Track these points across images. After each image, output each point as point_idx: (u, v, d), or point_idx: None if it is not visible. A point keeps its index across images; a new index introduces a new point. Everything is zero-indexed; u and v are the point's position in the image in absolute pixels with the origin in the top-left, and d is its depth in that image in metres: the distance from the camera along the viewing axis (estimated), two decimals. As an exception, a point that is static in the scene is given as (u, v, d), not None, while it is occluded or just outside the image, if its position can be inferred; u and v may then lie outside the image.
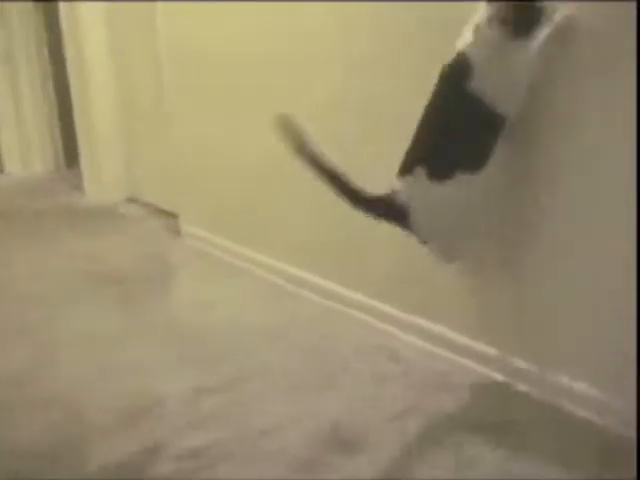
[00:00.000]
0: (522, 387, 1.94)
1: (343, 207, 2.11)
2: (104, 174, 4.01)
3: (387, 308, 2.35)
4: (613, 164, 1.66)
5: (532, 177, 1.85)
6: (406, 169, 1.79)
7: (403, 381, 2.05)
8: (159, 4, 3.15)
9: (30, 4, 4.65)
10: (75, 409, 1.96)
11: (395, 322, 2.32)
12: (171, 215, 3.51)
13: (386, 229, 2.08)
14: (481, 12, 1.63)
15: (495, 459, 1.67)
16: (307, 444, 1.77)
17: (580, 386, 1.81)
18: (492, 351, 2.05)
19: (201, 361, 2.19)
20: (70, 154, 4.70)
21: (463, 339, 2.12)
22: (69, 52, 3.95)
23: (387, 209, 1.82)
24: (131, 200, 3.97)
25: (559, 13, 1.61)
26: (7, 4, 4.59)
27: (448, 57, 1.73)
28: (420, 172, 1.75)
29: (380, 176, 1.82)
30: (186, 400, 1.98)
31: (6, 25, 4.64)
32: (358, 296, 2.45)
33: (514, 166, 1.87)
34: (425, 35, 2.02)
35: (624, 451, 1.63)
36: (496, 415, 1.86)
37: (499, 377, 2.01)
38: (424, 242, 1.89)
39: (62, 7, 3.90)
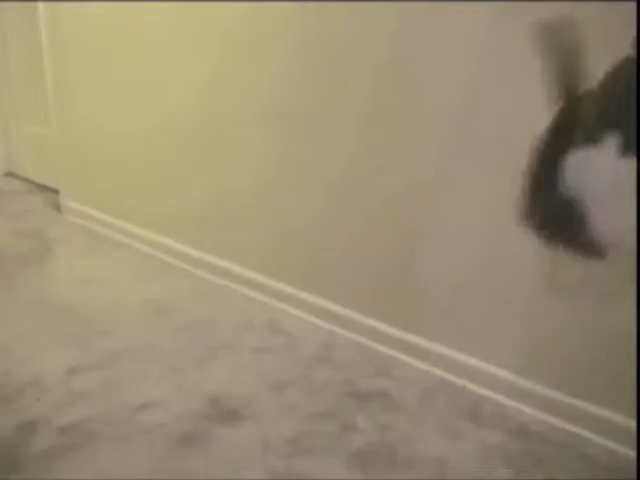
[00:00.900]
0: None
1: (222, 180, 2.13)
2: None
3: (271, 282, 2.38)
4: None
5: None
6: None
7: (286, 353, 2.08)
8: None
9: None
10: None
11: (279, 296, 2.35)
12: (51, 190, 3.40)
13: (268, 205, 2.11)
14: None
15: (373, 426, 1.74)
16: (187, 418, 1.77)
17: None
18: (370, 322, 2.12)
19: (79, 338, 2.14)
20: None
21: (347, 312, 2.18)
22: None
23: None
24: (10, 175, 3.82)
25: None
26: None
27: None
28: None
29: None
30: (62, 378, 1.93)
31: None
32: (243, 271, 2.47)
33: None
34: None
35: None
36: (375, 384, 1.93)
37: (383, 349, 2.09)
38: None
39: None
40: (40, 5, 3.07)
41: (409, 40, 1.84)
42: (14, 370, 1.96)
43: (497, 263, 1.81)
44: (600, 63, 1.47)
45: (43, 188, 3.52)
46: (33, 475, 1.56)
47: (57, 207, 3.23)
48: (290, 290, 2.33)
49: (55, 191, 3.29)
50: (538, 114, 1.50)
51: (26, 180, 3.69)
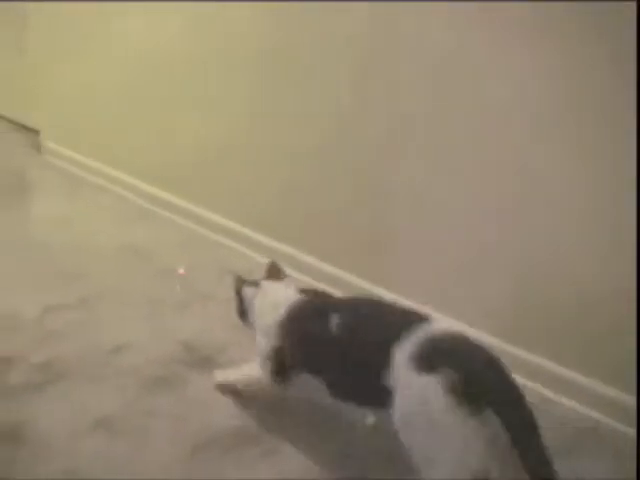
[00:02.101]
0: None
1: (204, 127, 2.10)
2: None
3: (251, 234, 2.38)
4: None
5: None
6: None
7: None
8: None
9: None
10: None
11: (259, 248, 2.35)
12: (32, 131, 3.35)
13: (249, 155, 2.09)
14: None
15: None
16: (161, 362, 1.78)
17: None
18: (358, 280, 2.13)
19: (55, 278, 2.13)
20: None
21: (324, 266, 2.19)
22: None
23: None
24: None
25: None
26: None
27: None
28: None
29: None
30: (37, 317, 1.93)
31: None
32: (223, 221, 2.46)
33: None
34: None
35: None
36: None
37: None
38: None
39: None
40: None
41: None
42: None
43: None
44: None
45: (24, 128, 3.47)
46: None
47: (38, 148, 3.19)
48: (268, 243, 2.32)
49: (36, 132, 3.24)
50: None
51: (7, 120, 3.62)
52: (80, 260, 2.24)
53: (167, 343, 1.86)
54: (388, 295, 1.97)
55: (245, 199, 2.39)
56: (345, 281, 2.12)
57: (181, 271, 2.17)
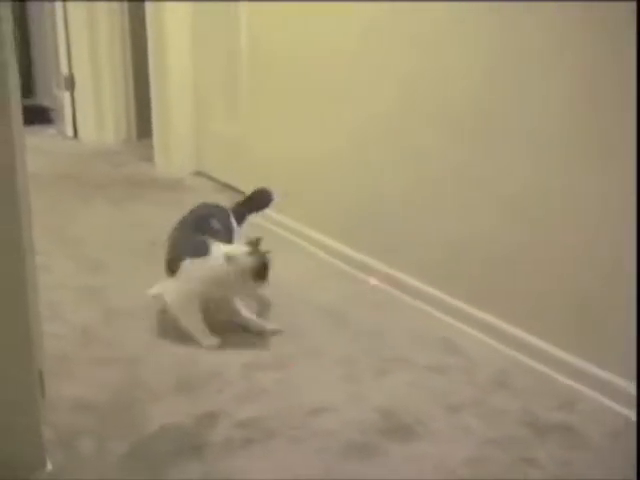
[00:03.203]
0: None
1: (395, 186, 2.12)
2: (174, 147, 4.07)
3: (446, 297, 2.33)
4: None
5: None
6: None
7: (461, 374, 2.03)
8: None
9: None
10: (136, 370, 2.00)
11: (455, 313, 2.30)
12: (237, 191, 3.53)
13: (442, 215, 2.08)
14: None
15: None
16: (359, 428, 1.76)
17: None
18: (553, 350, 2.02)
19: (253, 336, 2.20)
20: (143, 125, 4.77)
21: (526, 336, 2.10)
22: (151, 34, 4.03)
23: None
24: (198, 174, 4.02)
25: None
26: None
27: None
28: None
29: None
30: (240, 374, 1.99)
31: (93, 4, 4.73)
32: (416, 283, 2.43)
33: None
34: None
35: None
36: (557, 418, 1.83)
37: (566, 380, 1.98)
38: None
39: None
40: (242, 9, 3.20)
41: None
42: (200, 360, 2.05)
43: None
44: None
45: (228, 187, 3.67)
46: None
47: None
48: (465, 307, 2.27)
49: (241, 192, 3.42)
50: None
51: (214, 180, 3.86)
52: (281, 318, 2.30)
53: (364, 408, 1.85)
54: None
55: (442, 263, 2.35)
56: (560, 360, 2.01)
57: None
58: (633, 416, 1.79)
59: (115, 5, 4.74)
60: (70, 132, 5.03)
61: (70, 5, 4.74)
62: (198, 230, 2.17)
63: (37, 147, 4.71)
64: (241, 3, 3.29)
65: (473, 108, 2.15)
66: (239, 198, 2.55)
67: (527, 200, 2.03)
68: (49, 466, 1.55)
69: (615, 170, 1.78)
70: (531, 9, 1.91)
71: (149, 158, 4.28)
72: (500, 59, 2.04)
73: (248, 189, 3.27)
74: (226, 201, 3.45)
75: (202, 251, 2.07)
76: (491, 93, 2.09)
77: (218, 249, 2.08)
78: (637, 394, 1.70)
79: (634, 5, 1.55)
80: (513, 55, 2.01)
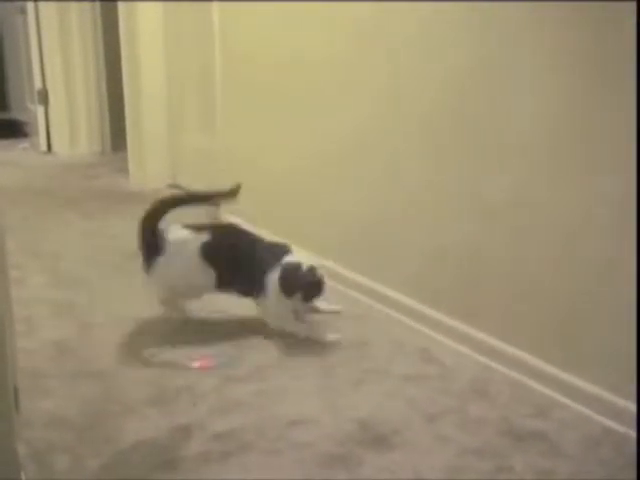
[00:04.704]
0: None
1: (375, 202, 2.12)
2: (148, 160, 4.05)
3: (424, 308, 2.34)
4: None
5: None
6: None
7: (439, 383, 2.03)
8: (215, 4, 3.20)
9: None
10: (111, 385, 1.98)
11: (432, 323, 2.30)
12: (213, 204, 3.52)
13: (421, 228, 2.08)
14: None
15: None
16: (337, 439, 1.75)
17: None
18: (529, 359, 2.03)
19: (235, 346, 2.19)
20: (117, 138, 4.76)
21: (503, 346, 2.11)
22: (124, 46, 4.02)
23: None
24: (173, 186, 4.00)
25: None
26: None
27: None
28: None
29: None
30: (215, 386, 1.98)
31: (65, 18, 4.72)
32: (395, 295, 2.44)
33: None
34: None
35: None
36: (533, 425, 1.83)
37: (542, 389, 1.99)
38: None
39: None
40: (215, 18, 3.20)
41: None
42: (174, 373, 2.03)
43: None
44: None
45: (204, 201, 3.65)
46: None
47: (217, 220, 3.34)
48: (443, 318, 2.27)
49: (217, 205, 3.41)
50: None
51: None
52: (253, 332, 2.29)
53: (341, 419, 1.84)
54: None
55: (420, 275, 2.36)
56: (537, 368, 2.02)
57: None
58: (610, 424, 1.80)
59: (88, 19, 4.74)
60: (44, 146, 4.99)
61: (43, 19, 4.72)
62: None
63: (11, 161, 4.69)
64: (215, 10, 3.25)
65: (453, 119, 2.16)
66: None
67: (506, 212, 2.04)
68: (23, 482, 1.53)
69: (598, 183, 1.79)
70: (513, 20, 1.93)
71: (124, 171, 4.25)
72: (481, 69, 2.05)
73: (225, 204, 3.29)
74: (203, 214, 3.47)
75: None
76: (471, 103, 2.10)
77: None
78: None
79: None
80: (495, 65, 2.02)
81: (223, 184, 3.25)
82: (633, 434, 1.76)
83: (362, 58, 2.45)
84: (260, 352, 2.18)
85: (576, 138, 1.84)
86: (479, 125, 2.08)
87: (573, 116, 1.83)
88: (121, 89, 4.14)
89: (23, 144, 5.19)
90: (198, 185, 3.74)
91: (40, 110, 4.93)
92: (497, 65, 2.01)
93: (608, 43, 1.71)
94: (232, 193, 2.29)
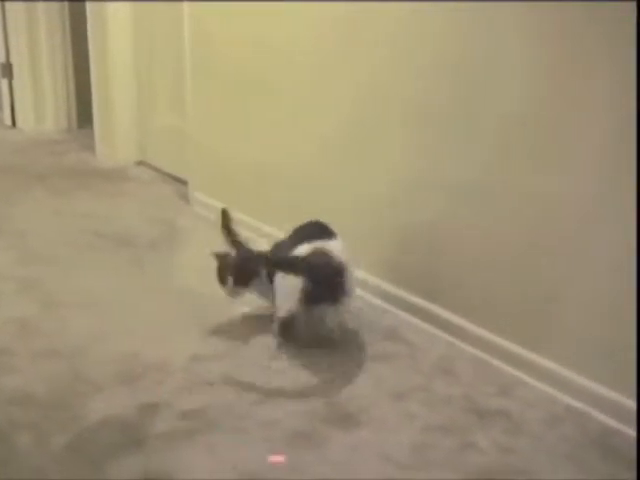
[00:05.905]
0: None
1: (357, 186, 2.11)
2: (116, 136, 4.00)
3: (390, 287, 2.35)
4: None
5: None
6: None
7: (405, 362, 2.05)
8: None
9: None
10: (77, 363, 1.96)
11: (398, 301, 2.32)
12: (180, 181, 3.50)
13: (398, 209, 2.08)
14: None
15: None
16: (303, 417, 1.77)
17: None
18: (493, 337, 2.06)
19: (201, 327, 2.19)
20: (83, 115, 4.69)
21: (469, 325, 2.13)
22: (91, 22, 3.94)
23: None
24: (141, 164, 3.96)
25: None
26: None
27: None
28: None
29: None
30: (183, 365, 1.98)
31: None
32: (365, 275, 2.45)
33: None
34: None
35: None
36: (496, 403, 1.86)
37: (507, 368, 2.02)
38: None
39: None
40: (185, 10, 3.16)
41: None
42: (142, 352, 2.02)
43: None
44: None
45: (172, 178, 3.63)
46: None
47: (185, 198, 3.32)
48: (408, 296, 2.29)
49: (184, 182, 3.39)
50: None
51: (157, 169, 3.81)
52: (220, 307, 2.28)
53: (308, 398, 1.85)
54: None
55: (386, 254, 2.37)
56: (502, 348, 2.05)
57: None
58: (573, 402, 1.84)
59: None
60: (8, 120, 4.89)
61: (7, -9, 4.61)
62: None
63: (-26, 136, 4.60)
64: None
65: (438, 109, 2.13)
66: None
67: (475, 192, 2.06)
68: (-14, 461, 1.52)
69: (571, 171, 1.80)
70: (500, 11, 1.91)
71: (91, 148, 4.20)
72: (465, 59, 2.03)
73: (193, 179, 3.27)
74: (171, 192, 3.46)
75: None
76: (455, 94, 2.08)
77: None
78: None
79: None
80: (479, 55, 1.99)
81: (191, 163, 3.27)
82: (595, 412, 1.80)
83: (342, 44, 2.41)
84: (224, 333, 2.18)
85: (555, 121, 1.84)
86: (461, 112, 2.07)
87: (556, 102, 1.83)
88: (87, 66, 4.06)
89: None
90: (166, 163, 3.73)
91: (4, 83, 4.83)
92: (481, 57, 1.99)
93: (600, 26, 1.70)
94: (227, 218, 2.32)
